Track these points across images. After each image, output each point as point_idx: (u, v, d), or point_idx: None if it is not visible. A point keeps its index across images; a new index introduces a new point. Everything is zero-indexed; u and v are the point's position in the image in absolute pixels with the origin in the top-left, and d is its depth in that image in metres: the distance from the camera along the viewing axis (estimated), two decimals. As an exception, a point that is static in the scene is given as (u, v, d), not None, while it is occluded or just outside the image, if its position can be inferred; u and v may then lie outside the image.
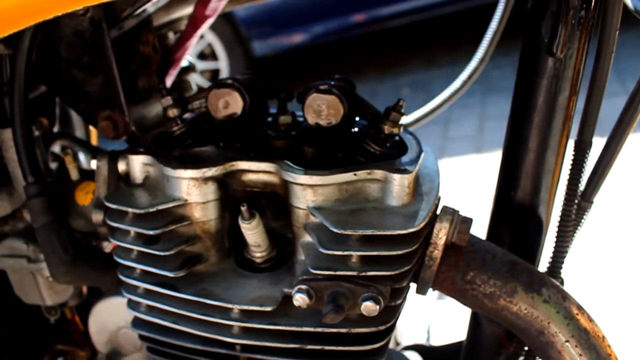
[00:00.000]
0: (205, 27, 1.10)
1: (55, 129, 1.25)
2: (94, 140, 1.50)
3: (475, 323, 1.03)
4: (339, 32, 4.93)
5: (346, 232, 0.74)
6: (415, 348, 1.23)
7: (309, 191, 0.77)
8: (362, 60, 5.36)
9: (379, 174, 0.77)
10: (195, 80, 4.73)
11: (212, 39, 4.86)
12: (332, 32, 4.91)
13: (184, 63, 1.23)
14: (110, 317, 1.13)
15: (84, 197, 1.00)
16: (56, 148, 1.20)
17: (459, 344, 1.10)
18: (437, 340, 1.58)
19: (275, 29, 4.89)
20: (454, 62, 4.76)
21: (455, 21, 5.12)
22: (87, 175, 1.03)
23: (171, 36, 1.24)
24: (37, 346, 1.25)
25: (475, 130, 3.96)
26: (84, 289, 1.18)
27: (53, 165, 1.16)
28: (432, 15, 4.91)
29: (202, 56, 4.98)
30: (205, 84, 4.82)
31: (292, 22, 4.90)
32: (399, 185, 0.77)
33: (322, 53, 5.31)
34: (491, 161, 3.39)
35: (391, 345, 1.40)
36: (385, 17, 4.90)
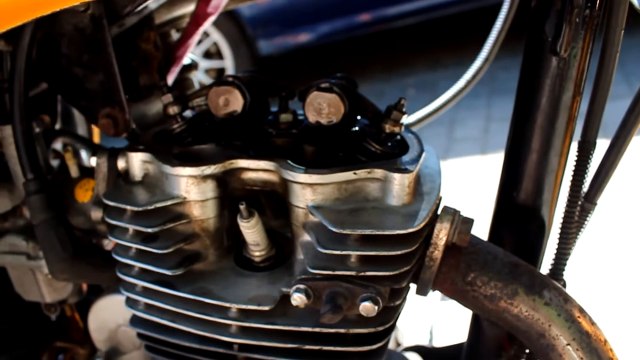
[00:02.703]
0: (207, 25, 1.10)
1: (57, 126, 1.25)
2: (96, 138, 1.50)
3: (476, 325, 1.02)
4: (345, 31, 4.92)
5: (345, 232, 0.74)
6: (416, 349, 1.22)
7: (308, 190, 0.77)
8: (367, 61, 5.35)
9: (379, 173, 0.76)
10: (200, 79, 4.73)
11: (218, 37, 4.85)
12: (338, 31, 4.90)
13: (186, 61, 1.23)
14: (110, 315, 1.12)
15: (83, 195, 0.99)
16: (57, 145, 1.19)
17: (460, 345, 1.09)
18: (440, 341, 1.57)
19: (281, 29, 4.89)
20: (460, 63, 4.74)
21: (461, 22, 5.10)
22: (88, 172, 1.03)
23: (174, 34, 1.24)
24: (37, 343, 1.25)
25: (481, 131, 3.94)
26: (84, 287, 1.18)
27: (55, 163, 1.16)
28: (438, 16, 4.89)
29: (207, 55, 4.98)
30: (211, 83, 4.81)
31: (298, 22, 4.89)
32: (399, 184, 0.76)
33: (328, 53, 5.30)
34: (496, 163, 3.36)
35: (392, 346, 1.39)
36: (391, 17, 4.89)
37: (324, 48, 5.11)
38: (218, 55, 4.97)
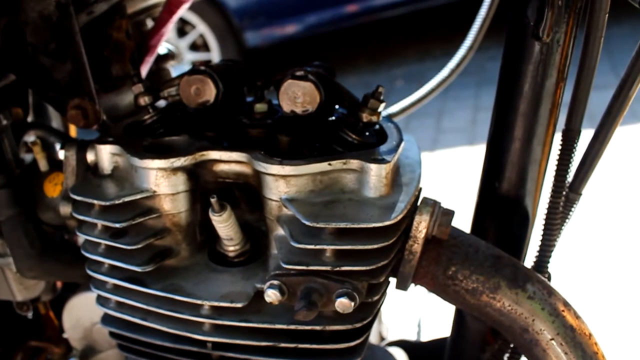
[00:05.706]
0: (181, 12, 1.06)
1: (30, 119, 1.21)
2: (73, 131, 1.46)
3: (459, 319, 1.00)
4: (333, 22, 4.88)
5: (319, 225, 0.71)
6: (400, 344, 1.20)
7: (281, 182, 0.74)
8: (355, 52, 5.32)
9: (354, 163, 0.73)
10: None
11: (204, 29, 4.80)
12: (325, 22, 4.86)
13: (161, 50, 1.19)
14: (85, 313, 1.09)
15: (52, 189, 0.96)
16: (30, 138, 1.15)
17: (444, 340, 1.07)
18: (429, 335, 1.55)
19: (268, 20, 4.84)
20: (449, 54, 4.68)
21: (449, 12, 5.07)
22: (58, 166, 0.99)
23: (149, 23, 1.20)
24: (10, 343, 1.22)
25: (469, 122, 3.93)
26: (58, 284, 1.15)
27: (29, 157, 1.13)
28: (426, 6, 4.86)
29: (194, 47, 4.93)
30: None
31: (285, 13, 4.85)
32: (376, 175, 0.73)
33: (316, 44, 5.26)
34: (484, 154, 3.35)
35: (376, 340, 1.37)
36: (379, 8, 4.85)
37: (312, 39, 5.07)
38: (204, 47, 4.93)
